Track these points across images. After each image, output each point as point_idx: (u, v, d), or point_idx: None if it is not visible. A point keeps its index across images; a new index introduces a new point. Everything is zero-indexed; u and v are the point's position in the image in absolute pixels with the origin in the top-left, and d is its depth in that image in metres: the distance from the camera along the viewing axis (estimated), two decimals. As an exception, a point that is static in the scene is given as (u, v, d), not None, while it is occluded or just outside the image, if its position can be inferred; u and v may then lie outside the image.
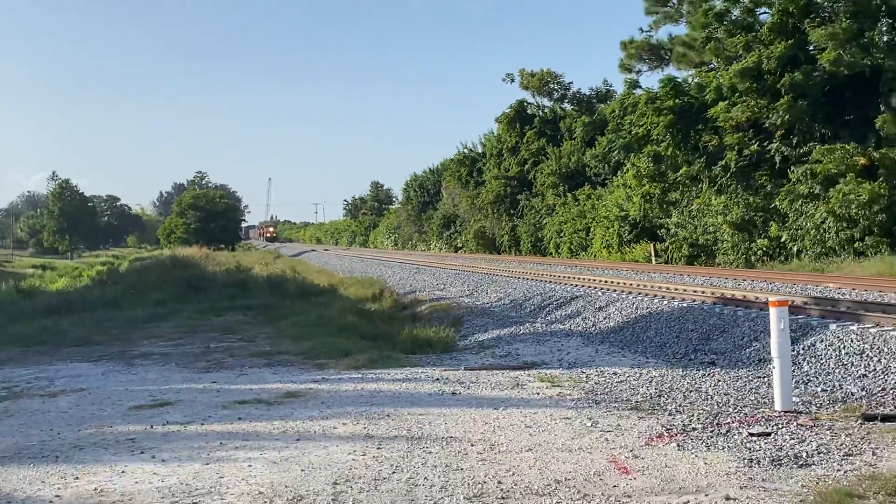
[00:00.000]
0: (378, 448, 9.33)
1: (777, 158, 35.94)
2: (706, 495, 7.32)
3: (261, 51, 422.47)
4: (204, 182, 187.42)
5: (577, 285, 27.18)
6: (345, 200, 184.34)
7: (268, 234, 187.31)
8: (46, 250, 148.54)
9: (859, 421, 9.84)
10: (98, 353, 18.74)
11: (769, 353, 11.29)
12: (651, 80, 78.31)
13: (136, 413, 11.86)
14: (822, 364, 13.47)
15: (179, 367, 16.38)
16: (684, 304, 20.00)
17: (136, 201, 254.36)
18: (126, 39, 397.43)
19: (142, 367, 16.52)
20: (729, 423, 9.94)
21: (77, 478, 8.58)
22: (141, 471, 8.74)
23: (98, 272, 53.40)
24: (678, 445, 9.04)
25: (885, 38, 32.74)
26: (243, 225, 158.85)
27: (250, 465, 8.77)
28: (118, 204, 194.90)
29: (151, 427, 10.86)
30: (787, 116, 34.01)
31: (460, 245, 77.08)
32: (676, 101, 39.45)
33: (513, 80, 70.91)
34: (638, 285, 24.82)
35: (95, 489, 8.16)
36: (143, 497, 7.83)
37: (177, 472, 8.61)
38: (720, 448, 8.86)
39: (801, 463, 8.21)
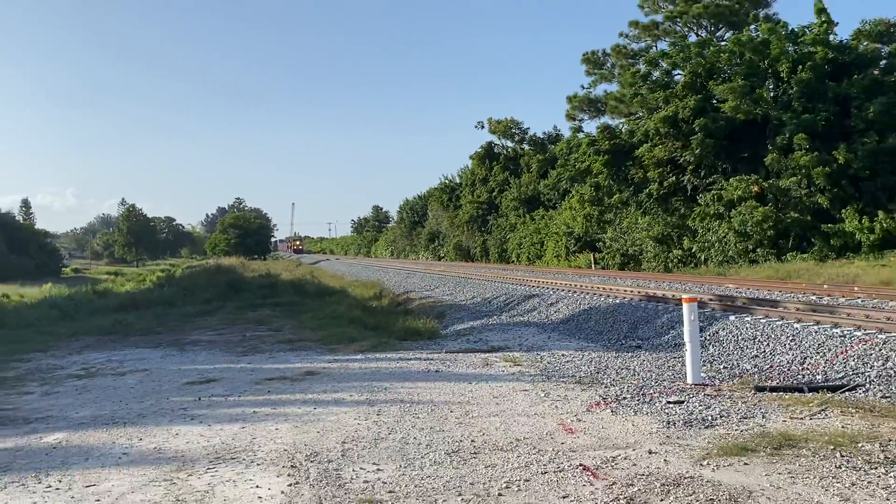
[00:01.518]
0: (378, 414, 9.33)
1: (689, 187, 36.19)
2: (633, 450, 7.35)
3: (285, 101, 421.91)
4: (242, 206, 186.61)
5: (533, 286, 27.20)
6: (352, 220, 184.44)
7: (295, 247, 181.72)
8: (117, 260, 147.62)
9: (752, 391, 9.90)
10: (157, 340, 18.64)
11: (683, 339, 11.35)
12: (591, 126, 78.38)
13: (187, 388, 11.82)
14: (723, 347, 13.54)
15: (222, 352, 16.31)
16: (617, 301, 20.04)
17: (188, 221, 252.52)
18: (180, 89, 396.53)
19: (192, 352, 16.45)
20: (651, 393, 9.98)
21: (141, 439, 8.54)
22: (191, 433, 8.72)
23: (158, 277, 53.00)
24: (612, 411, 9.07)
25: (772, 94, 33.03)
26: (273, 239, 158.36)
27: (277, 429, 8.76)
28: (174, 223, 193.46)
29: (200, 399, 10.83)
30: (698, 151, 34.21)
31: (442, 255, 76.98)
32: (611, 143, 39.64)
33: (483, 126, 71.45)
34: (581, 286, 24.86)
35: (155, 448, 8.14)
36: (193, 454, 7.81)
37: (219, 434, 8.59)
38: (645, 413, 8.90)
39: (707, 424, 8.25)
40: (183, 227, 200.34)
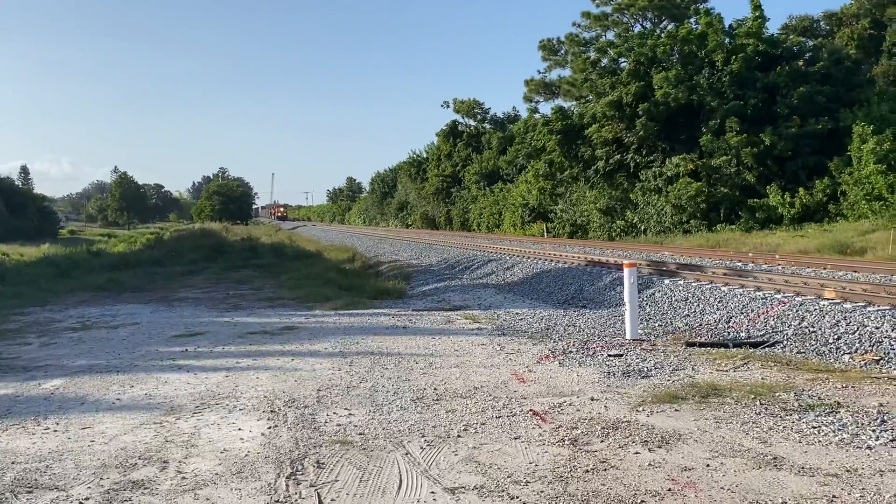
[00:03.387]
0: (350, 365, 9.34)
1: (632, 165, 36.34)
2: (577, 397, 7.45)
3: (267, 79, 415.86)
4: (225, 175, 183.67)
5: (491, 252, 27.28)
6: (328, 189, 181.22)
7: (279, 214, 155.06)
8: (110, 223, 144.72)
9: (683, 347, 10.07)
10: (148, 297, 18.43)
11: (623, 300, 11.48)
12: (546, 107, 78.68)
13: (175, 340, 11.72)
14: (658, 307, 13.73)
15: (207, 308, 16.18)
16: (566, 266, 20.19)
17: (176, 188, 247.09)
18: (169, 70, 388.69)
19: (179, 308, 16.29)
20: (595, 347, 10.11)
21: (132, 386, 8.47)
22: (179, 381, 8.66)
23: (148, 239, 52.14)
24: (559, 363, 9.18)
25: (708, 81, 33.17)
26: (254, 206, 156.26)
27: (258, 377, 8.73)
28: (163, 190, 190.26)
29: (187, 350, 10.75)
30: (641, 133, 34.38)
31: (410, 223, 76.69)
32: (563, 123, 39.55)
33: (448, 106, 71.17)
34: (534, 252, 24.97)
35: (146, 394, 8.08)
36: (181, 399, 7.77)
37: (205, 382, 8.54)
38: (588, 365, 9.01)
39: (643, 375, 8.39)
40: (171, 193, 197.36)
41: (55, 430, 6.76)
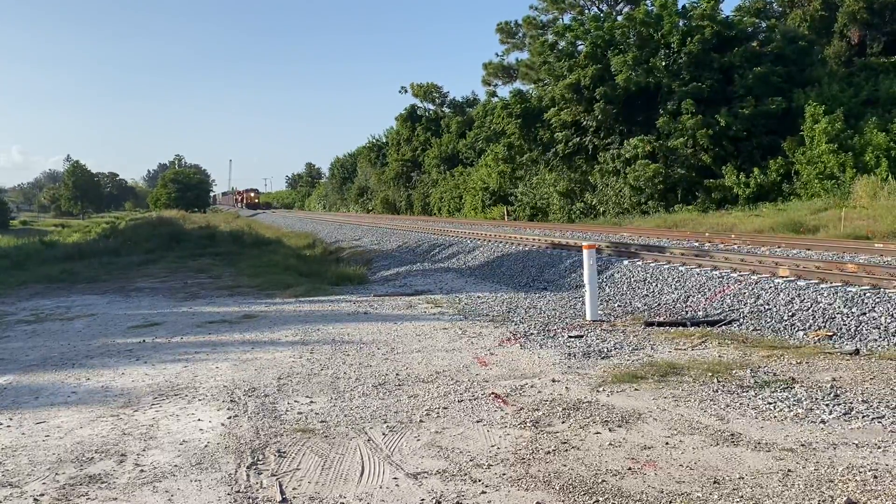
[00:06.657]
0: (311, 353, 9.27)
1: (591, 147, 36.55)
2: (539, 379, 7.50)
3: (220, 64, 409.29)
4: (182, 162, 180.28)
5: (453, 236, 27.24)
6: (287, 176, 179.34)
7: (249, 201, 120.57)
8: (64, 213, 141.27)
9: (643, 326, 10.20)
10: (103, 288, 18.04)
11: (583, 281, 11.56)
12: (504, 91, 78.59)
13: (132, 331, 11.50)
14: (618, 288, 13.86)
15: (165, 298, 15.90)
16: (526, 248, 20.26)
17: (131, 176, 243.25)
18: (122, 55, 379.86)
19: (136, 298, 15.98)
20: (555, 329, 10.18)
21: (88, 378, 8.30)
22: (136, 372, 8.51)
23: (103, 229, 51.03)
24: (521, 346, 9.23)
25: (664, 63, 33.44)
26: (212, 194, 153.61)
27: (217, 367, 8.62)
28: (117, 178, 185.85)
29: (144, 341, 10.56)
30: (599, 116, 34.56)
31: (371, 208, 76.28)
32: (522, 106, 39.59)
33: (406, 91, 70.61)
34: (495, 236, 24.99)
35: (102, 386, 7.92)
36: (139, 391, 7.64)
37: (163, 373, 8.41)
38: (549, 347, 9.07)
39: (603, 356, 8.47)
40: (126, 182, 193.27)
41: (8, 426, 6.59)
